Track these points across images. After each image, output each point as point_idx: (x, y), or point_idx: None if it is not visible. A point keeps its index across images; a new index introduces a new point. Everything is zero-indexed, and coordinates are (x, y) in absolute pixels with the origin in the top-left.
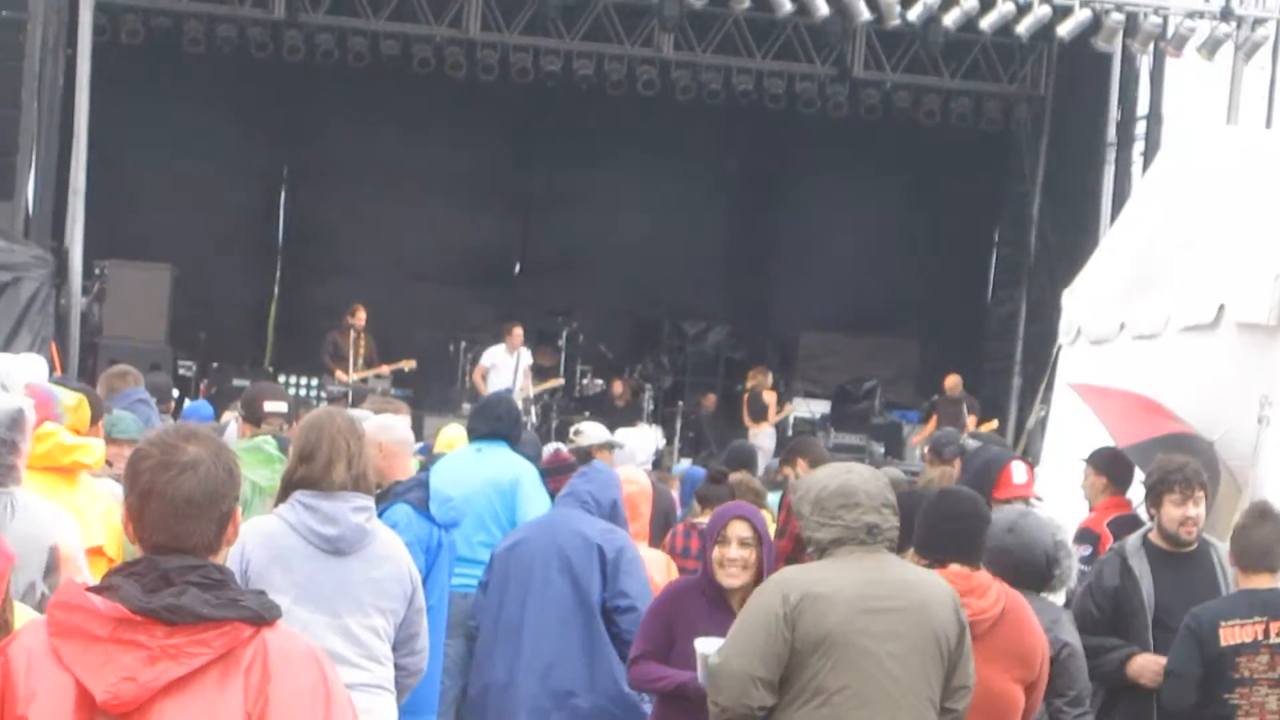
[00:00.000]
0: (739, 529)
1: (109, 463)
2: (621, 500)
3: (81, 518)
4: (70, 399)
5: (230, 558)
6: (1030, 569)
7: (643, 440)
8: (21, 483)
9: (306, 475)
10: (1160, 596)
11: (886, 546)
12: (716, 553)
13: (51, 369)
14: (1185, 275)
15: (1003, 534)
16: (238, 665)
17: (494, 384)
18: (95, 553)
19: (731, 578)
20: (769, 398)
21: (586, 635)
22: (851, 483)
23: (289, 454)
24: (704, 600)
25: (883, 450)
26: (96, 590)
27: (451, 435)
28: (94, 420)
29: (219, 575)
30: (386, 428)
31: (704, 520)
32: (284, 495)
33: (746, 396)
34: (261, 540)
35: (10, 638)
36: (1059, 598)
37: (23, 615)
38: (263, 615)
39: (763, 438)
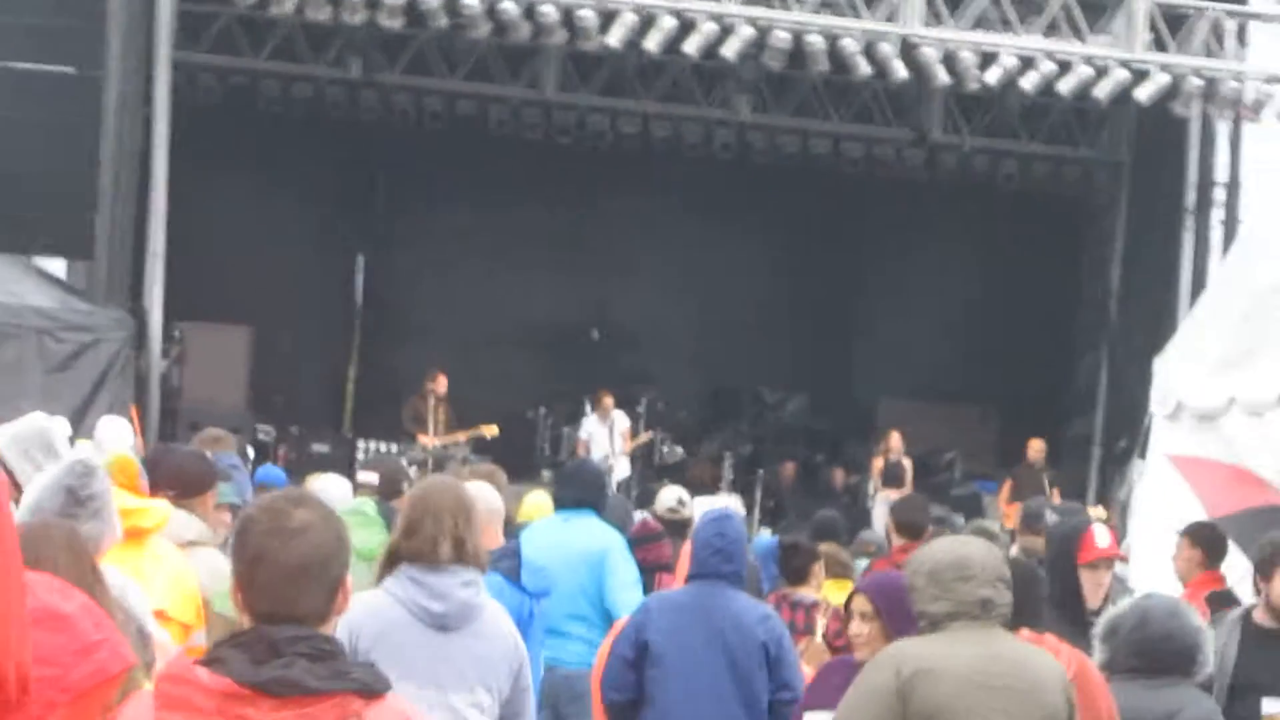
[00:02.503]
0: (860, 604)
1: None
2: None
3: (146, 581)
4: (115, 456)
5: (338, 633)
6: (1187, 657)
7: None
8: (100, 550)
9: (410, 549)
10: (1248, 670)
11: (1000, 622)
12: (852, 627)
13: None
14: None
15: (1166, 618)
16: None
17: (595, 453)
18: (158, 615)
19: (858, 650)
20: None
21: None
22: (967, 555)
23: (396, 524)
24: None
25: (963, 521)
26: (205, 662)
27: (536, 503)
28: (195, 489)
29: (328, 646)
30: (477, 497)
31: (793, 592)
32: (388, 567)
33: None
34: (368, 614)
35: (117, 709)
36: None
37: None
38: (372, 688)
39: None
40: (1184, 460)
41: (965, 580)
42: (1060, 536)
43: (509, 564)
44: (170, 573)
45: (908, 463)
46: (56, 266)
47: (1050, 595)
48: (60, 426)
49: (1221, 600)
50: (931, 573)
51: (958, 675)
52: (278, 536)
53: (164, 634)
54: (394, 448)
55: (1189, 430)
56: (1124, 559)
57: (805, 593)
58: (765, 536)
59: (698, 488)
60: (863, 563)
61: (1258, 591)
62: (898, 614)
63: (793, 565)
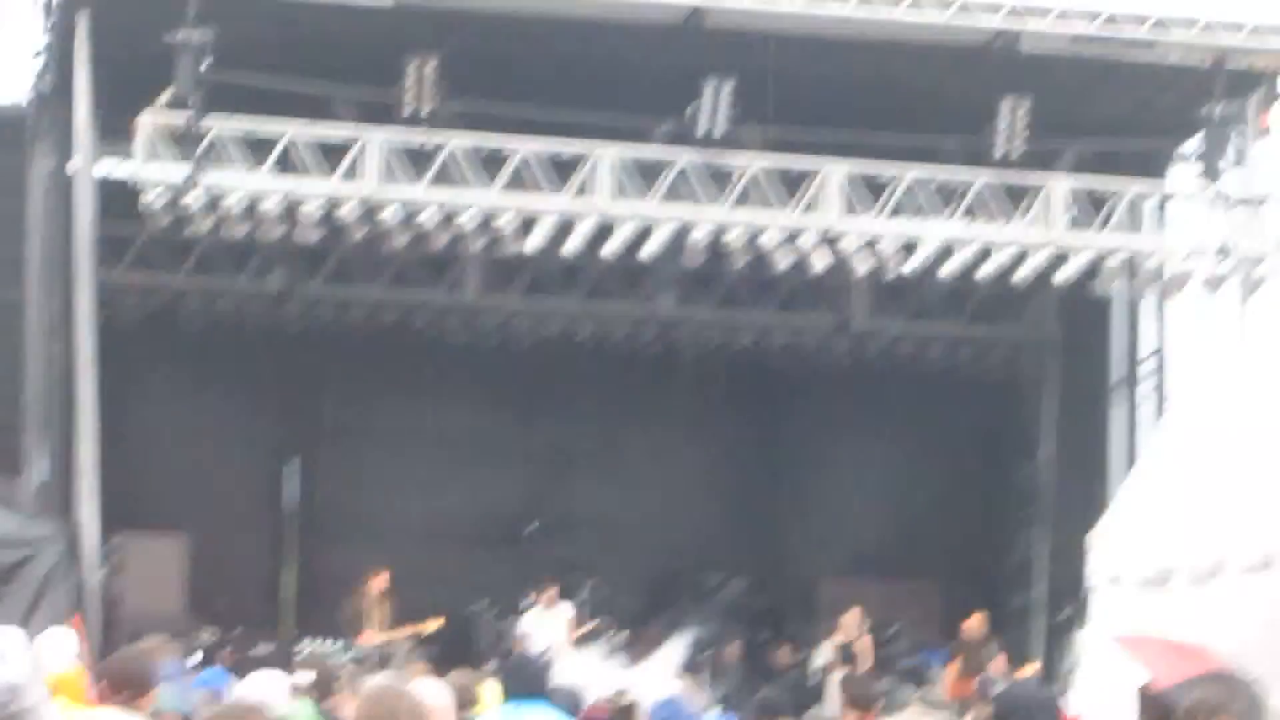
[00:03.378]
0: None
1: None
2: None
3: None
4: (58, 672)
5: None
6: None
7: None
8: None
9: None
10: None
11: None
12: None
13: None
14: (1232, 516)
15: None
16: None
17: (536, 645)
18: None
19: None
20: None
21: None
22: None
23: None
24: None
25: (912, 691)
26: None
27: (486, 694)
28: (141, 690)
29: None
30: (429, 696)
31: None
32: None
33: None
34: None
35: None
36: None
37: None
38: None
39: None
40: (1129, 639)
41: None
42: (1040, 706)
43: None
44: None
45: (866, 641)
46: None
47: None
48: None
49: None
50: None
51: None
52: None
53: None
54: (338, 645)
55: (1130, 600)
56: None
57: None
58: (714, 717)
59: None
60: None
61: None
62: None
63: None
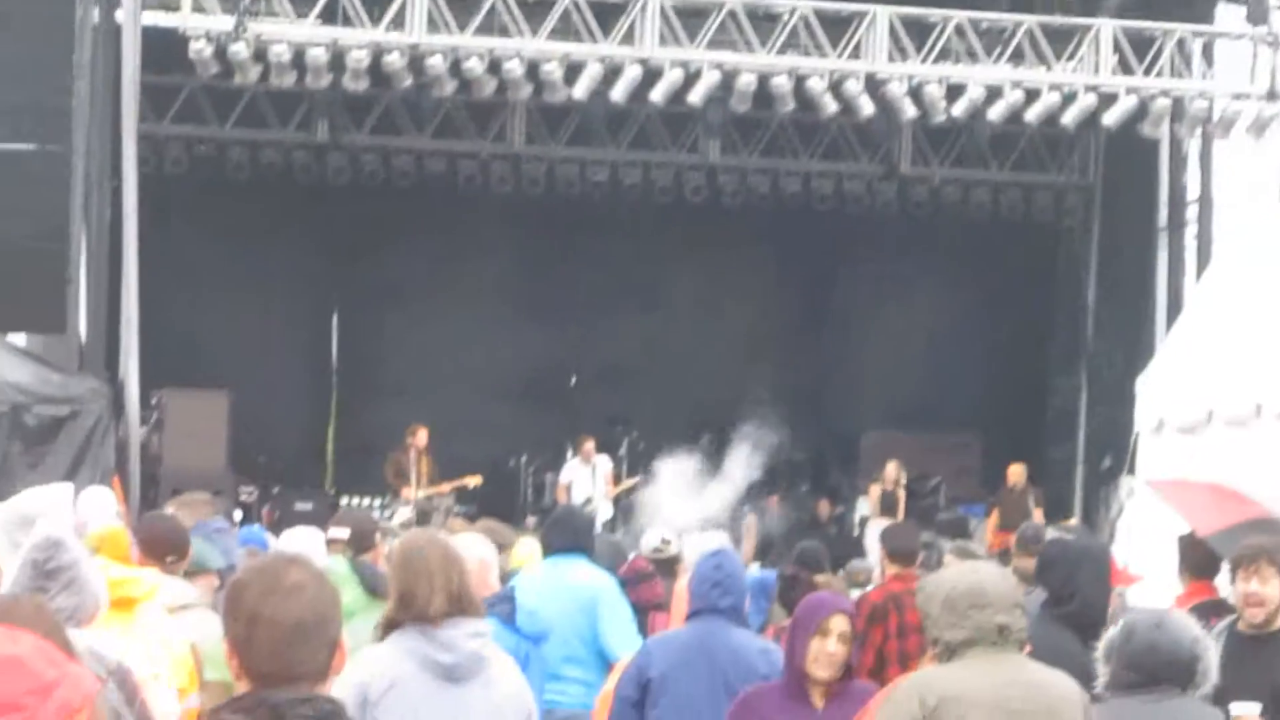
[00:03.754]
0: (840, 623)
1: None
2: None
3: (142, 647)
4: (100, 529)
5: (347, 688)
6: (1179, 666)
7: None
8: (88, 624)
9: (410, 617)
10: (1228, 677)
11: (1016, 647)
12: (815, 644)
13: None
14: (1271, 361)
15: (1150, 630)
16: None
17: (576, 498)
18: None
19: (823, 670)
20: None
21: None
22: (982, 582)
23: (390, 593)
24: (779, 695)
25: (949, 545)
26: None
27: (525, 550)
28: (161, 552)
29: (330, 706)
30: (469, 547)
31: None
32: (387, 631)
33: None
34: (377, 669)
35: None
36: None
37: None
38: None
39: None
40: (1166, 485)
41: (981, 608)
42: (1091, 556)
43: (504, 608)
44: (161, 638)
45: (902, 493)
46: (29, 340)
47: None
48: (56, 497)
49: (1208, 610)
50: (947, 600)
51: (983, 702)
52: (273, 596)
53: (171, 701)
54: (377, 502)
55: (1172, 446)
56: (1136, 579)
57: None
58: (754, 571)
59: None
60: (855, 592)
61: None
62: None
63: (791, 597)
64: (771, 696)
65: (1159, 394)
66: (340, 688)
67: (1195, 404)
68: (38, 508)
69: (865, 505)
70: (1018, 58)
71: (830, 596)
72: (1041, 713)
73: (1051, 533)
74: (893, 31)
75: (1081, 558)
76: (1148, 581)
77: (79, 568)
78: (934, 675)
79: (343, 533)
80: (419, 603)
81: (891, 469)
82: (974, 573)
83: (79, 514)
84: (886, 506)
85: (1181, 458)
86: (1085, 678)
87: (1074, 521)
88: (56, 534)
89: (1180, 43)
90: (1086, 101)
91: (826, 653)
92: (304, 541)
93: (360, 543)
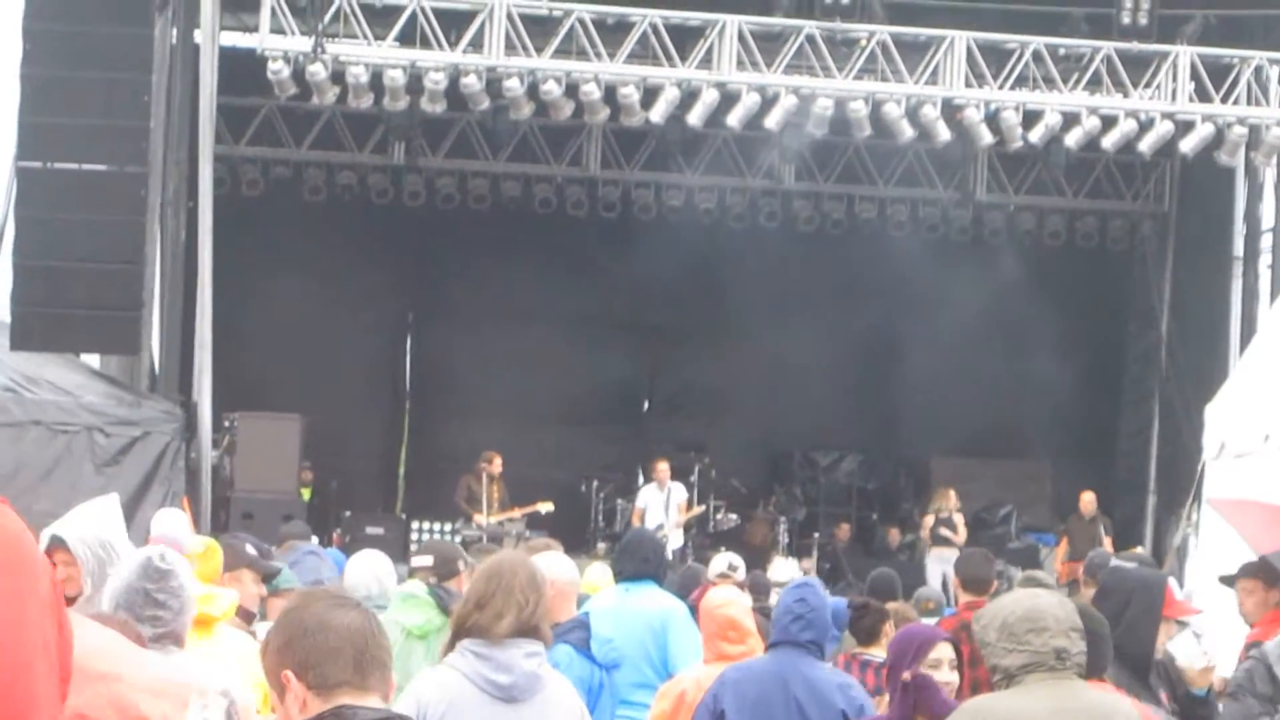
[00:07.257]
0: (947, 651)
1: None
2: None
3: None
4: (197, 546)
5: (407, 708)
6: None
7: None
8: (182, 642)
9: (477, 623)
10: None
11: (1075, 672)
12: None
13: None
14: None
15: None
16: None
17: (650, 522)
18: None
19: None
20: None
21: None
22: (1039, 607)
23: (466, 596)
24: None
25: (1019, 574)
26: None
27: (596, 576)
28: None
29: None
30: (556, 568)
31: (864, 652)
32: (455, 639)
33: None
34: (435, 688)
35: None
36: None
37: None
38: None
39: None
40: (1224, 503)
41: (1039, 632)
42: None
43: (579, 635)
44: (239, 657)
45: (960, 519)
46: (103, 361)
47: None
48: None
49: None
50: (1004, 626)
51: None
52: (340, 608)
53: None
54: (448, 527)
55: (1231, 471)
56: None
57: (876, 652)
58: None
59: (753, 552)
60: (926, 620)
61: None
62: None
63: (863, 625)
64: None
65: (1223, 420)
66: (399, 708)
67: (1253, 428)
68: (109, 521)
69: (921, 529)
70: (1095, 84)
71: (928, 629)
72: None
73: (1115, 561)
74: (970, 57)
75: (1136, 588)
76: (1210, 613)
77: (185, 592)
78: (991, 702)
79: (426, 560)
80: (488, 616)
81: (947, 497)
82: (1031, 598)
83: (157, 532)
84: (936, 537)
85: (1239, 481)
86: None
87: (1140, 550)
88: (109, 535)
89: (1258, 70)
90: (1163, 129)
91: (943, 682)
92: (373, 563)
93: (444, 570)
